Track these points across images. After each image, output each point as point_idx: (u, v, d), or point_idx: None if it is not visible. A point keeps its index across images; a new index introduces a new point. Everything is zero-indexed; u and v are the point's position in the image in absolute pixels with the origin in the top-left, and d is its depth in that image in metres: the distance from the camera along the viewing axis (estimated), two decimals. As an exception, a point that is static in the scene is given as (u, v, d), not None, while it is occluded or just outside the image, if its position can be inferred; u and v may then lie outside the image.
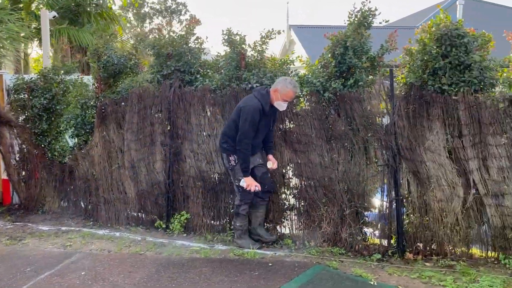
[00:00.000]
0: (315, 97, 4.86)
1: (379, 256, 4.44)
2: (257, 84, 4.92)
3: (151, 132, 5.45)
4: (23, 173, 6.50)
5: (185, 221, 5.30)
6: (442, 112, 4.36)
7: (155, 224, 5.44)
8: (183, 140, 5.35)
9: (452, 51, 4.28)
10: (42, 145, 6.38)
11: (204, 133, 5.24)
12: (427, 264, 4.30)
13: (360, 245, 4.66)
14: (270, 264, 4.21)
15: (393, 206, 4.51)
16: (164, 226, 5.38)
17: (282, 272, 4.04)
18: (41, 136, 6.35)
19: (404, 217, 4.59)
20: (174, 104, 5.30)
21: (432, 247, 4.49)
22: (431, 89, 4.40)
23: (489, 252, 4.36)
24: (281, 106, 4.51)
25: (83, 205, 6.16)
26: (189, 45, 5.47)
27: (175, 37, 5.47)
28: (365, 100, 4.59)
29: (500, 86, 4.29)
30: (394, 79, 4.55)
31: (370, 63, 4.77)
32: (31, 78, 6.52)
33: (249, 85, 4.92)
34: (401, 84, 4.66)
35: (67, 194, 6.36)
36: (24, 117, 6.41)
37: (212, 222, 5.26)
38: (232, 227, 5.03)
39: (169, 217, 5.39)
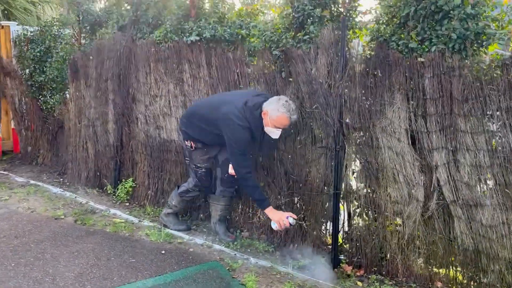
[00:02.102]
0: (266, 55, 3.86)
1: (308, 261, 3.45)
2: (197, 38, 4.08)
3: (105, 89, 4.99)
4: (20, 124, 6.62)
5: (131, 189, 4.82)
6: (405, 80, 3.09)
7: (105, 189, 5.06)
8: (134, 100, 4.79)
9: (427, -10, 2.95)
10: (37, 98, 6.36)
11: (152, 93, 4.60)
12: (359, 284, 3.20)
13: (295, 245, 3.69)
14: (163, 252, 3.51)
15: (331, 202, 3.43)
16: (112, 191, 4.97)
17: (172, 261, 3.33)
18: (35, 89, 6.33)
19: (345, 217, 3.49)
20: (124, 59, 4.74)
21: (381, 262, 3.34)
22: (394, 46, 3.13)
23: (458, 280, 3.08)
24: (273, 133, 3.35)
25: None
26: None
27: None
28: (310, 60, 3.48)
29: (495, 45, 2.85)
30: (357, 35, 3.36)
31: (329, 12, 3.59)
32: (33, 30, 6.50)
33: (189, 38, 4.11)
34: (367, 41, 3.44)
35: (58, 148, 6.32)
36: (22, 68, 6.45)
37: (157, 194, 4.68)
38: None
39: (116, 183, 4.96)
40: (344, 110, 3.32)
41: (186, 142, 3.75)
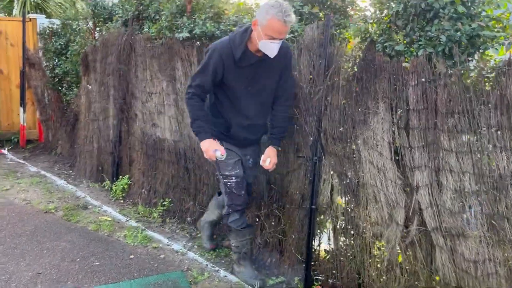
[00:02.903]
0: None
1: (281, 279, 3.19)
2: (188, 35, 3.90)
3: (107, 84, 4.96)
4: (43, 114, 6.80)
5: (126, 186, 4.76)
6: (389, 87, 2.72)
7: (104, 184, 5.05)
8: (133, 96, 4.71)
9: (417, -14, 2.57)
10: (58, 90, 6.51)
11: (148, 90, 4.49)
12: (328, 312, 2.90)
13: (273, 259, 3.43)
14: (131, 257, 3.38)
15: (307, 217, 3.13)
16: (109, 188, 4.95)
17: (136, 268, 3.20)
18: (57, 81, 6.48)
19: (321, 235, 3.18)
20: (125, 54, 4.66)
21: (359, 288, 3.01)
22: (379, 48, 2.77)
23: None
24: (267, 47, 2.68)
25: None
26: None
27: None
28: (294, 59, 3.19)
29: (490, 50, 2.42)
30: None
31: (319, 8, 3.26)
32: (59, 24, 6.64)
33: (181, 35, 3.93)
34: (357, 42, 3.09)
35: (75, 140, 6.44)
36: (46, 60, 6.62)
37: (149, 194, 4.58)
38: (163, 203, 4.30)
39: (113, 179, 4.93)
40: (324, 118, 3.00)
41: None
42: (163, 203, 4.34)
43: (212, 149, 2.84)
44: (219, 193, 3.47)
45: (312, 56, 3.06)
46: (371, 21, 2.94)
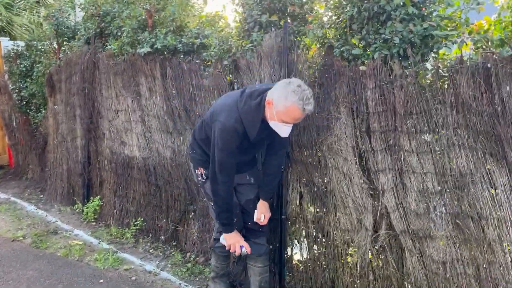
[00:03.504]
0: (220, 65, 3.57)
1: (256, 294, 3.12)
2: (149, 49, 3.84)
3: (73, 104, 4.85)
4: (12, 139, 6.63)
5: (98, 208, 4.64)
6: (349, 91, 2.71)
7: (75, 207, 4.92)
8: (99, 115, 4.61)
9: (369, -10, 2.57)
10: (26, 113, 6.35)
11: (113, 108, 4.40)
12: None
13: (247, 272, 3.35)
14: (101, 281, 3.28)
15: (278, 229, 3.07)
16: (81, 210, 4.82)
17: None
18: (24, 103, 6.33)
19: (292, 246, 3.12)
20: (88, 73, 4.57)
21: (334, 297, 2.96)
22: (337, 53, 2.76)
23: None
24: (279, 128, 2.42)
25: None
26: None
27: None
28: (254, 70, 3.16)
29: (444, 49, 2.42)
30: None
31: (278, 18, 3.25)
32: (23, 45, 6.50)
33: (142, 50, 3.87)
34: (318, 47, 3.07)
35: (46, 163, 6.28)
36: (13, 83, 6.46)
37: (122, 214, 4.47)
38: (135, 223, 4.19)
39: (84, 201, 4.80)
40: (287, 126, 2.96)
41: (196, 171, 2.81)
42: (136, 223, 4.24)
43: (239, 244, 2.69)
44: None
45: (273, 65, 3.03)
46: (328, 26, 2.93)
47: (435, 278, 2.43)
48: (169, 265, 3.62)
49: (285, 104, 2.30)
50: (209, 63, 3.76)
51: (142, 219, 4.22)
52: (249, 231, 2.86)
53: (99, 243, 4.07)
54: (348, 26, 2.73)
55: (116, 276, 3.38)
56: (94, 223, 4.59)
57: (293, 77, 2.76)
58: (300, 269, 3.10)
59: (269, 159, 2.81)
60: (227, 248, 2.74)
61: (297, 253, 3.15)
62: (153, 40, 3.86)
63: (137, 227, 4.22)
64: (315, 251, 3.01)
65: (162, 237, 4.07)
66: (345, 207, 2.79)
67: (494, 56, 2.07)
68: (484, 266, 2.26)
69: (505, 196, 2.13)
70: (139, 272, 3.49)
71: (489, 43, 2.24)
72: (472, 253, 2.29)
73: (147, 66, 3.96)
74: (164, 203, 4.04)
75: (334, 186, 2.82)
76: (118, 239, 4.18)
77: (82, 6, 4.77)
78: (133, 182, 4.32)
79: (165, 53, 3.88)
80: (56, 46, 5.59)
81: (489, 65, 2.10)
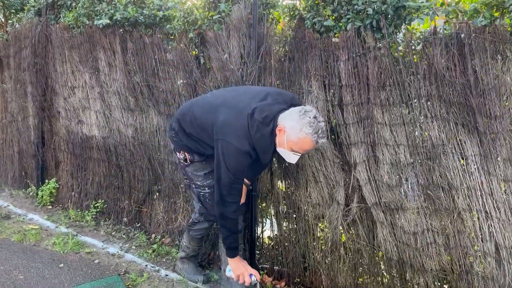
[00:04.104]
0: (185, 38, 3.41)
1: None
2: (108, 21, 3.61)
3: (24, 81, 4.53)
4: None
5: (54, 190, 4.39)
6: (321, 64, 2.65)
7: (28, 190, 4.64)
8: (54, 92, 4.33)
9: (342, -41, 2.51)
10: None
11: (69, 84, 4.14)
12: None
13: (216, 252, 3.29)
14: (61, 265, 3.10)
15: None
16: (35, 193, 4.55)
17: (66, 278, 2.92)
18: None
19: (262, 223, 3.09)
20: (40, 47, 4.27)
21: (305, 272, 2.95)
22: (308, 25, 2.69)
23: (385, 295, 2.69)
24: (288, 156, 2.33)
25: None
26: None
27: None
28: (222, 43, 3.04)
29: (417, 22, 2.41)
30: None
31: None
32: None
33: (100, 22, 3.64)
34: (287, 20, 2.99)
35: None
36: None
37: (80, 196, 4.25)
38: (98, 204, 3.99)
39: (39, 184, 4.53)
40: (257, 101, 2.88)
41: (178, 154, 2.70)
42: (96, 205, 4.05)
43: (248, 273, 2.54)
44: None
45: (242, 37, 2.93)
46: (298, -2, 2.85)
47: (406, 249, 2.47)
48: (134, 247, 3.49)
49: (298, 136, 2.21)
50: (172, 37, 3.60)
51: (103, 201, 4.04)
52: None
53: (57, 227, 3.85)
54: (320, -3, 2.67)
55: (78, 260, 3.21)
56: (50, 207, 4.35)
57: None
58: (271, 245, 3.07)
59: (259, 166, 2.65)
60: (235, 279, 2.59)
61: (268, 230, 3.11)
62: (112, 11, 3.63)
63: (98, 210, 4.04)
64: (286, 228, 2.98)
65: (125, 219, 3.91)
66: (316, 182, 2.77)
67: (468, 26, 2.08)
68: (454, 235, 2.30)
69: (475, 166, 2.17)
70: (102, 255, 3.33)
71: (461, 14, 2.25)
72: (442, 223, 2.34)
73: (106, 40, 3.74)
74: (127, 183, 3.88)
75: (305, 161, 2.78)
76: (77, 222, 3.98)
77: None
78: (93, 163, 4.11)
79: (125, 25, 3.67)
80: (3, 19, 5.18)
81: (462, 35, 2.10)
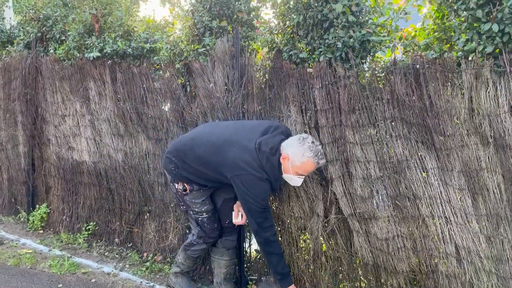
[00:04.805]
0: (172, 69, 3.69)
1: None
2: (98, 54, 3.87)
3: (14, 110, 4.70)
4: None
5: (45, 215, 4.54)
6: (298, 91, 2.97)
7: (19, 216, 4.77)
8: (44, 121, 4.52)
9: (313, -1, 2.86)
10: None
11: (60, 113, 4.35)
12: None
13: (207, 267, 3.51)
14: (59, 286, 3.27)
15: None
16: (26, 219, 4.68)
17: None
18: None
19: (249, 237, 3.35)
20: (30, 78, 4.47)
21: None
22: (285, 56, 3.02)
23: (363, 297, 2.97)
24: (293, 181, 2.63)
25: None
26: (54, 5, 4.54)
27: (40, -3, 4.58)
28: (208, 73, 3.33)
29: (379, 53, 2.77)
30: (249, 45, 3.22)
31: (227, 23, 3.45)
32: None
33: (91, 54, 3.89)
34: (266, 51, 3.31)
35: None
36: None
37: (72, 220, 4.41)
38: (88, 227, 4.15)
39: (30, 209, 4.67)
40: (242, 125, 3.17)
41: (176, 184, 2.86)
42: (88, 227, 4.22)
43: None
44: (214, 244, 3.17)
45: (226, 68, 3.23)
46: (276, 32, 3.18)
47: (379, 254, 2.76)
48: (127, 266, 3.68)
49: (301, 160, 2.52)
50: (158, 66, 3.88)
51: (94, 223, 4.21)
52: (224, 229, 3.05)
53: (50, 250, 4.00)
54: (295, 32, 3.00)
55: (75, 280, 3.38)
56: (41, 231, 4.49)
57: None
58: (258, 258, 3.32)
59: None
60: None
61: (255, 244, 3.36)
62: (102, 44, 3.89)
63: (89, 232, 4.20)
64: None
65: (117, 239, 4.10)
66: (297, 196, 3.06)
67: (422, 58, 2.43)
68: (420, 239, 2.62)
69: (435, 177, 2.50)
70: (97, 274, 3.51)
71: (417, 47, 2.61)
72: (410, 229, 2.65)
73: (96, 71, 3.98)
74: (117, 206, 4.08)
75: (287, 179, 3.06)
76: (69, 245, 4.14)
77: (18, 9, 4.64)
78: (83, 187, 4.30)
79: (114, 57, 3.93)
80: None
81: (417, 66, 2.45)
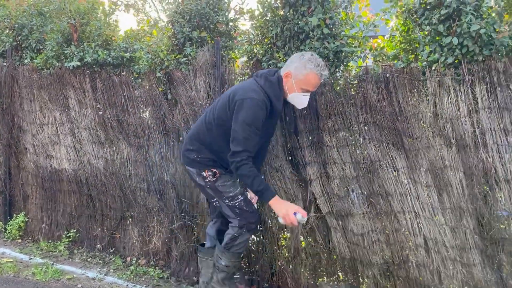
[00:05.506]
0: (152, 78, 3.80)
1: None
2: (78, 63, 3.94)
3: (-11, 120, 4.67)
4: None
5: (23, 224, 4.53)
6: (277, 98, 3.16)
7: (-5, 226, 4.73)
8: (21, 130, 4.52)
9: (290, 12, 3.07)
10: None
11: (38, 121, 4.37)
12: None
13: (191, 268, 3.64)
14: (47, 292, 3.32)
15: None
16: (3, 229, 4.64)
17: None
18: None
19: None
20: (6, 87, 4.47)
21: (272, 277, 3.38)
22: (264, 66, 3.21)
23: (341, 290, 3.18)
24: (300, 99, 2.66)
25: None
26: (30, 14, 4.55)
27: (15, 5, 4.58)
28: (189, 82, 3.48)
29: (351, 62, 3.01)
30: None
31: (207, 34, 3.61)
32: None
33: (71, 64, 3.95)
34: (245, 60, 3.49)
35: None
36: None
37: (51, 227, 4.42)
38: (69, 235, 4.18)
39: (6, 219, 4.65)
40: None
41: (204, 173, 2.78)
42: (68, 235, 4.26)
43: (292, 211, 2.51)
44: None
45: (207, 76, 3.39)
46: (254, 42, 3.37)
47: (356, 248, 2.99)
48: (112, 270, 3.75)
49: (304, 72, 2.57)
50: (137, 75, 3.98)
51: (75, 230, 4.25)
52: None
53: (31, 258, 4.02)
54: (273, 43, 3.20)
55: (61, 286, 3.43)
56: (19, 240, 4.48)
57: (228, 86, 3.17)
58: (244, 255, 3.47)
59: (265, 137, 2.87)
60: (281, 222, 2.57)
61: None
62: (81, 54, 3.96)
63: (70, 239, 4.24)
64: (252, 241, 3.41)
65: (99, 245, 4.15)
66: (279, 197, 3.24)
67: (391, 68, 2.68)
68: (392, 233, 2.86)
69: (405, 176, 2.75)
70: (82, 280, 3.57)
71: (385, 57, 2.87)
72: (383, 223, 2.89)
73: (76, 80, 4.04)
74: (99, 212, 4.14)
75: (268, 181, 3.25)
76: (50, 252, 4.16)
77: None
78: (63, 195, 4.33)
79: (94, 66, 4.00)
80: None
81: (387, 75, 2.70)
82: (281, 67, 3.08)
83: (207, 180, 2.79)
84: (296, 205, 2.62)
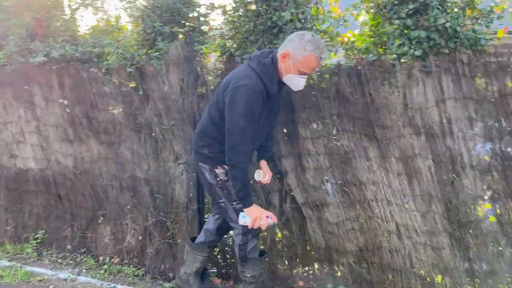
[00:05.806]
0: (122, 73, 3.73)
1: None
2: (44, 59, 3.82)
3: None
4: None
5: (-13, 227, 4.34)
6: (251, 92, 3.19)
7: (-44, 230, 4.50)
8: (-18, 129, 4.33)
9: (263, 7, 3.11)
10: None
11: (0, 120, 4.20)
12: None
13: (166, 265, 3.61)
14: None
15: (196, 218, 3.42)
16: (-35, 232, 4.44)
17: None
18: None
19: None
20: (-34, 84, 4.26)
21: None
22: (238, 60, 3.24)
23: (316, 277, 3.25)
24: (296, 82, 2.52)
25: None
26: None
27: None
28: (162, 76, 3.46)
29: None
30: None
31: (178, 28, 3.60)
32: None
33: (36, 59, 3.83)
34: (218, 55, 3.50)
35: None
36: None
37: (17, 230, 4.27)
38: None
39: (-32, 222, 4.44)
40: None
41: (216, 170, 2.67)
42: (36, 236, 4.12)
43: (264, 215, 2.57)
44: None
45: (180, 71, 3.37)
46: (227, 37, 3.39)
47: (331, 237, 3.07)
48: (84, 270, 3.67)
49: (302, 54, 2.41)
50: (106, 71, 3.91)
51: (43, 231, 4.12)
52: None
53: (-4, 261, 3.87)
54: (246, 37, 3.23)
55: (32, 288, 3.33)
56: (-17, 245, 4.29)
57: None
58: (217, 251, 3.49)
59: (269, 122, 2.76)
60: (250, 226, 2.57)
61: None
62: (47, 49, 3.85)
63: (38, 241, 4.11)
64: (229, 232, 3.42)
65: (69, 246, 4.04)
66: (254, 190, 3.28)
67: (363, 61, 2.77)
68: (366, 221, 2.96)
69: (377, 165, 2.85)
70: (54, 281, 3.48)
71: (356, 51, 2.96)
72: (357, 212, 2.98)
73: (42, 76, 3.92)
74: (68, 212, 4.04)
75: (243, 174, 3.28)
76: (17, 255, 4.02)
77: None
78: (29, 195, 4.19)
79: (61, 62, 3.89)
80: None
81: (359, 68, 2.79)
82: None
83: (218, 178, 2.68)
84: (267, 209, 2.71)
